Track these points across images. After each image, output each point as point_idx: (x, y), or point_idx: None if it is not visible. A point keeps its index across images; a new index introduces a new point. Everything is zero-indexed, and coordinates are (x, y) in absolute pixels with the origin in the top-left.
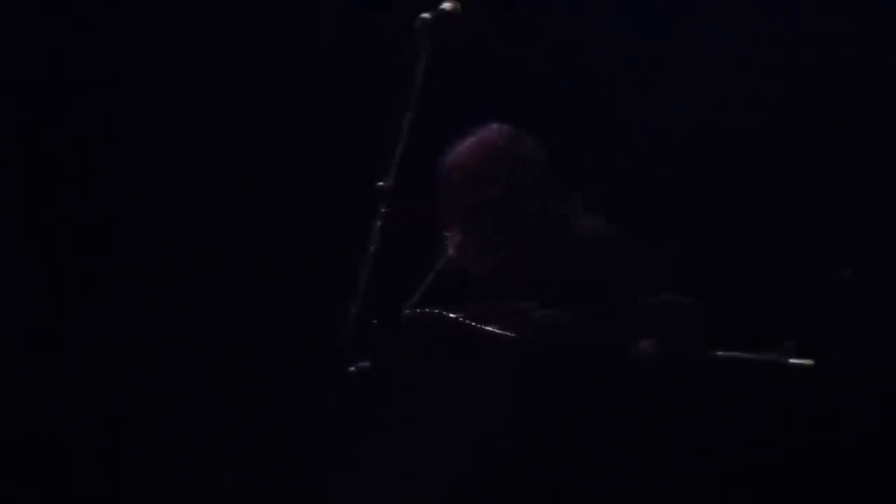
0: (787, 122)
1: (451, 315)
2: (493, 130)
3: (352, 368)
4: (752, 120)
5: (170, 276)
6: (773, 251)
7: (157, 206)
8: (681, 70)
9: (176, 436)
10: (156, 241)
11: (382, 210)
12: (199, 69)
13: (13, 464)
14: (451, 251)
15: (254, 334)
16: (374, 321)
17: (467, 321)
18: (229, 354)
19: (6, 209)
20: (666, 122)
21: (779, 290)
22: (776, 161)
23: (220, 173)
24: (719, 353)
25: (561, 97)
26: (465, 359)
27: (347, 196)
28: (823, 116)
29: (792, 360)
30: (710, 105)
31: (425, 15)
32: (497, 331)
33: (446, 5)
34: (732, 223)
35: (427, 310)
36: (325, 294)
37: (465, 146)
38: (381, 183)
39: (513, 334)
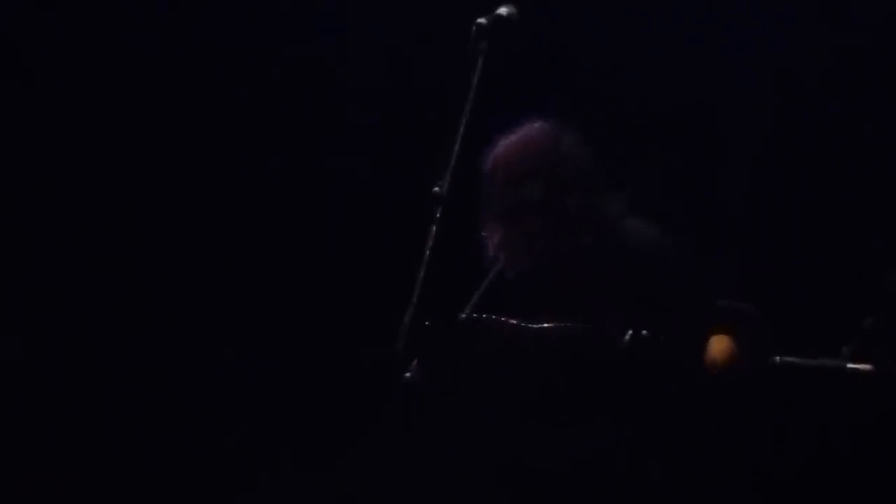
0: (845, 129)
1: (506, 320)
2: (534, 128)
3: (407, 374)
4: (809, 124)
5: (223, 280)
6: (828, 256)
7: (215, 211)
8: (736, 71)
9: (232, 439)
10: (211, 247)
11: (438, 215)
12: (254, 74)
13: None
14: (490, 250)
15: (309, 341)
16: (427, 323)
17: (522, 324)
18: (284, 362)
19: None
20: (717, 123)
21: (836, 296)
22: (833, 165)
23: (274, 179)
24: (777, 358)
25: (609, 97)
26: (519, 359)
27: (404, 201)
28: (884, 124)
29: (850, 366)
30: (768, 106)
31: (482, 20)
32: (551, 326)
33: (502, 10)
34: (789, 228)
35: (482, 315)
36: (380, 300)
37: (507, 144)
38: (436, 188)
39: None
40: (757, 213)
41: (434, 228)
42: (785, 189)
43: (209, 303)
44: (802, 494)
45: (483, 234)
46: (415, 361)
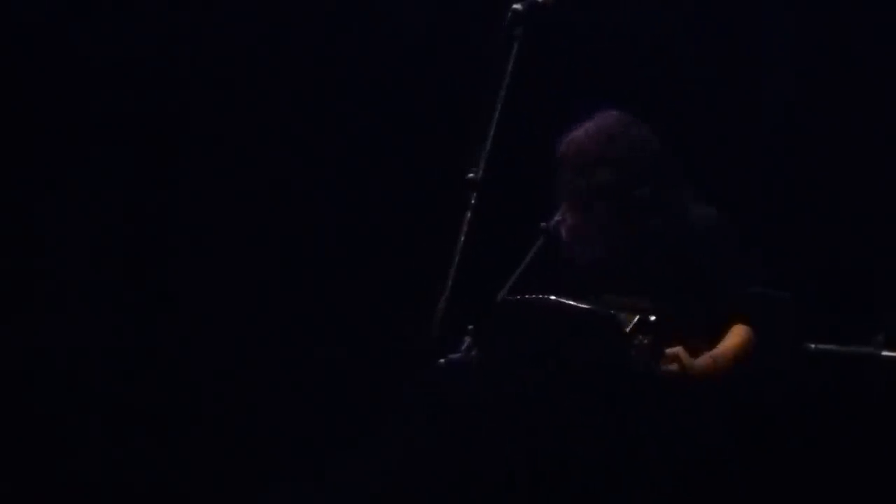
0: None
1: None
2: (611, 116)
3: (441, 360)
4: (852, 115)
5: (260, 269)
6: (862, 244)
7: (256, 198)
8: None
9: (268, 427)
10: (252, 234)
11: (472, 201)
12: (299, 64)
13: None
14: (563, 235)
15: (345, 328)
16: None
17: (566, 301)
18: (321, 350)
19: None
20: (771, 116)
21: (870, 284)
22: (872, 157)
23: (310, 167)
24: (812, 345)
25: (665, 89)
26: (564, 337)
27: (438, 187)
28: None
29: (885, 353)
30: (815, 100)
31: (517, 6)
32: (593, 307)
33: None
34: (823, 215)
35: (522, 296)
36: (415, 287)
37: (583, 130)
38: (471, 174)
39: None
40: (789, 200)
41: (468, 214)
42: (818, 176)
43: (220, 300)
44: (836, 478)
45: (556, 218)
46: (467, 340)
